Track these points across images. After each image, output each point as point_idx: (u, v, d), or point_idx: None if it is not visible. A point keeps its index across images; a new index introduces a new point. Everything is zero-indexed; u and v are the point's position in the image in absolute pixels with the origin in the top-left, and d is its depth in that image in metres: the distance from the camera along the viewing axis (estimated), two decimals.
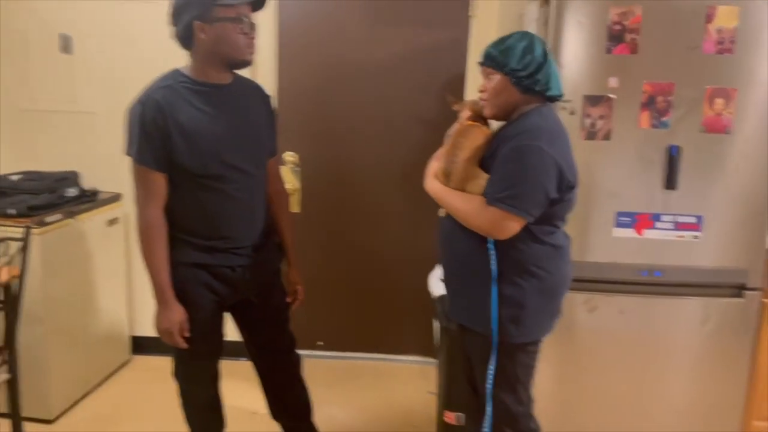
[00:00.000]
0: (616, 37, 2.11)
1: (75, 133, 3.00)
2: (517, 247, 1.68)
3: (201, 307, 1.87)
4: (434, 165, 1.83)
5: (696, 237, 2.23)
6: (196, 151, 1.75)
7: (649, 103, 2.15)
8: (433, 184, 1.81)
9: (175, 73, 1.82)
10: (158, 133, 1.71)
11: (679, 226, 2.22)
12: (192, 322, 1.85)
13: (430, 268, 2.79)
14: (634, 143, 2.18)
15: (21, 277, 2.10)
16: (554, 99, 1.72)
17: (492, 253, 1.69)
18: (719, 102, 2.14)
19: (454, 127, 1.83)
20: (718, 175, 2.19)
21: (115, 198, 2.93)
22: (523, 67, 1.63)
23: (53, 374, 2.55)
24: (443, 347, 2.45)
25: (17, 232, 2.13)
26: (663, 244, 2.24)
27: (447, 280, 1.90)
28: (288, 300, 2.13)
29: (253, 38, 1.80)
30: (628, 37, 2.11)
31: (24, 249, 2.09)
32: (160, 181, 1.76)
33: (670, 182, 2.18)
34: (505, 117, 1.74)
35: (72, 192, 2.68)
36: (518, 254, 1.69)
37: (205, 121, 1.77)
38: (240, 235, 1.88)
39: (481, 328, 1.75)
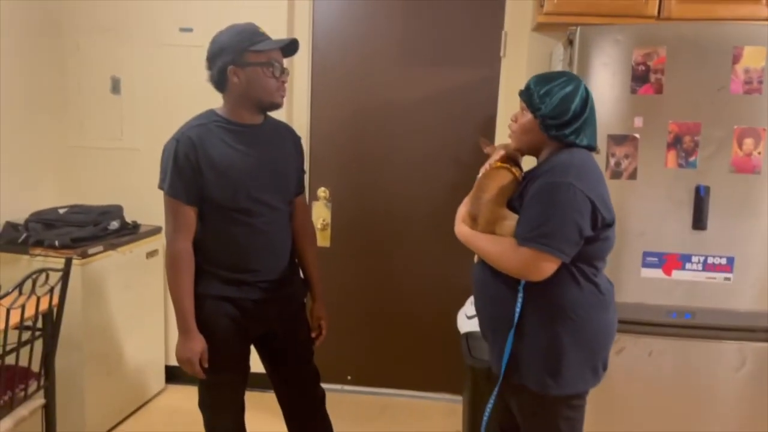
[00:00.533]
0: (640, 77, 2.12)
1: (120, 169, 3.15)
2: (552, 292, 1.58)
3: (226, 338, 1.91)
4: (462, 209, 1.80)
5: (727, 279, 2.18)
6: (226, 185, 1.83)
7: (675, 143, 2.14)
8: (461, 229, 1.76)
9: (210, 113, 1.92)
10: (190, 168, 1.80)
11: (710, 268, 2.18)
12: (217, 353, 1.89)
13: (460, 304, 2.80)
14: (661, 183, 2.17)
15: (60, 305, 2.20)
16: (587, 149, 1.65)
17: (520, 297, 1.60)
18: (748, 142, 2.11)
19: (483, 170, 1.82)
20: (749, 215, 2.15)
21: (155, 231, 3.05)
22: (556, 116, 1.59)
23: (89, 401, 2.63)
24: (468, 386, 2.44)
25: (59, 262, 2.24)
26: (693, 286, 2.20)
27: (482, 328, 1.82)
28: (312, 335, 2.16)
29: (284, 82, 1.88)
30: (653, 77, 2.11)
31: (64, 278, 2.19)
32: (189, 215, 1.84)
33: (699, 222, 2.15)
34: (530, 153, 1.73)
35: (114, 225, 2.80)
36: (554, 299, 1.59)
37: (236, 158, 1.85)
38: (265, 268, 1.94)
39: (517, 379, 1.66)
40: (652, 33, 2.14)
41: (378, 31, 3.01)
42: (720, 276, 2.18)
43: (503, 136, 2.96)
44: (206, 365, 1.87)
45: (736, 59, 2.09)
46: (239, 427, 2.13)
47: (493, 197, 1.67)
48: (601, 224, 1.57)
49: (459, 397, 3.09)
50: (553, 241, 1.51)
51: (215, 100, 3.05)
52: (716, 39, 2.10)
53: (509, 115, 2.89)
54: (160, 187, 1.86)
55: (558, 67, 2.50)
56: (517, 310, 1.61)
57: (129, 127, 3.12)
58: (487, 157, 1.89)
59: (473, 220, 1.71)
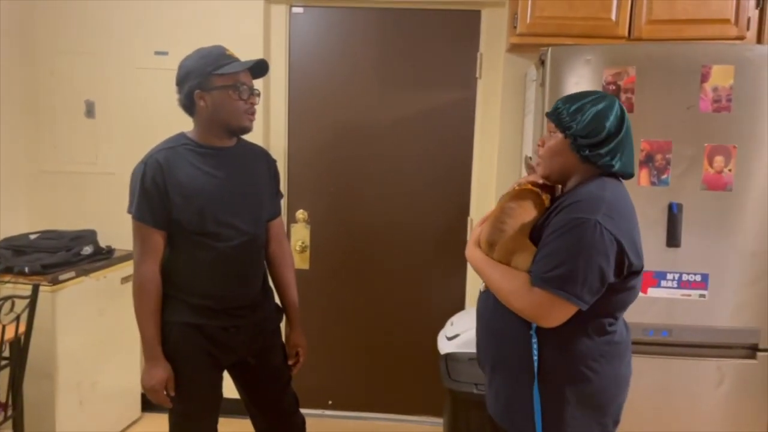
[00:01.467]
0: None
1: (95, 193, 3.11)
2: (564, 339, 1.43)
3: (195, 366, 1.87)
4: (477, 230, 1.62)
5: (702, 296, 2.18)
6: (192, 209, 1.80)
7: (647, 161, 2.15)
8: (473, 253, 1.58)
9: (180, 137, 1.90)
10: (157, 191, 1.78)
11: (684, 285, 2.18)
12: (186, 382, 1.85)
13: (440, 326, 2.78)
14: (635, 201, 2.12)
15: (27, 333, 2.15)
16: (622, 176, 1.52)
17: (534, 341, 1.45)
18: (719, 159, 2.13)
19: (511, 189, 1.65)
20: (722, 232, 2.17)
21: (130, 256, 2.96)
22: (588, 134, 1.43)
23: (60, 431, 2.56)
24: (447, 409, 2.40)
25: (28, 289, 2.20)
26: (669, 303, 2.20)
27: (482, 365, 1.66)
28: (289, 362, 2.12)
29: (252, 104, 1.86)
30: (624, 96, 2.14)
31: (31, 306, 2.14)
32: (156, 239, 1.81)
33: (673, 240, 2.16)
34: (558, 180, 1.56)
35: (87, 250, 2.76)
36: (565, 348, 1.44)
37: (204, 181, 1.83)
38: (234, 294, 1.90)
39: (514, 427, 1.52)
40: (622, 53, 2.17)
41: (355, 53, 3.03)
42: (695, 293, 2.19)
43: (480, 157, 2.98)
44: (172, 393, 1.83)
45: (704, 78, 2.12)
46: None
47: (518, 225, 1.50)
48: (627, 271, 1.41)
49: (440, 420, 3.06)
50: (571, 287, 1.35)
51: (190, 124, 3.05)
52: (685, 58, 2.13)
53: (486, 135, 2.96)
54: (129, 211, 1.84)
55: (532, 87, 2.52)
56: (535, 356, 1.45)
57: (104, 151, 3.08)
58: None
59: (489, 246, 1.53)
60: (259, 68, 1.90)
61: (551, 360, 1.45)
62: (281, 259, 2.11)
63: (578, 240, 1.35)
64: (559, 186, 1.59)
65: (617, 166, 1.46)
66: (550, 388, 1.46)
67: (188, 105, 1.85)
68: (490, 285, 1.53)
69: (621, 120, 1.46)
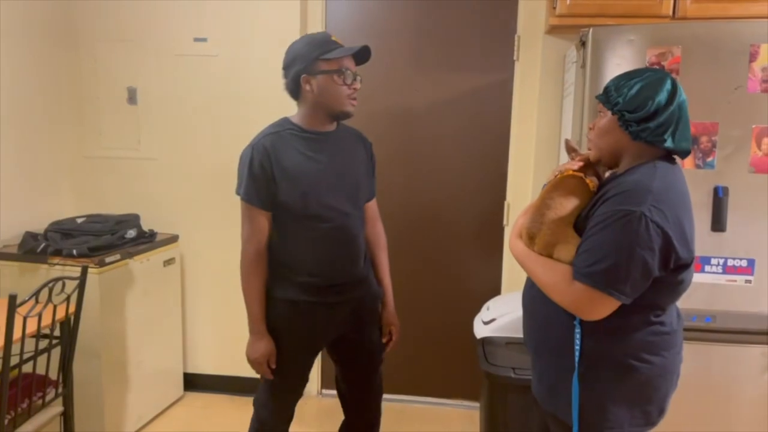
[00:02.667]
0: None
1: (137, 178, 3.19)
2: (608, 330, 1.39)
3: (297, 343, 1.96)
4: (520, 221, 1.58)
5: (748, 281, 2.13)
6: (297, 192, 1.87)
7: (692, 143, 2.10)
8: (516, 245, 1.55)
9: (284, 121, 1.97)
10: (263, 175, 1.86)
11: (730, 270, 2.13)
12: (288, 357, 1.95)
13: (477, 310, 2.78)
14: None
15: (76, 313, 2.23)
16: (676, 153, 1.44)
17: (578, 331, 1.42)
18: (767, 141, 2.07)
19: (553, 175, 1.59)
20: None
21: (172, 239, 3.07)
22: (635, 108, 1.38)
23: (107, 408, 2.65)
24: (485, 392, 2.41)
25: (76, 271, 2.27)
26: (713, 288, 2.16)
27: (528, 348, 1.64)
28: (383, 340, 2.18)
29: (355, 89, 1.92)
30: None
31: (81, 287, 2.21)
32: (262, 219, 1.89)
33: (718, 224, 2.11)
34: (612, 163, 1.50)
35: (131, 234, 2.83)
36: (609, 339, 1.40)
37: (308, 165, 1.90)
38: (337, 272, 1.97)
39: (561, 414, 1.50)
40: (666, 32, 2.11)
41: (391, 36, 3.01)
42: (741, 278, 2.14)
43: (517, 140, 2.95)
44: (273, 366, 1.93)
45: (753, 57, 2.05)
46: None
47: (559, 216, 1.45)
48: (675, 264, 1.35)
49: (477, 404, 3.06)
50: (613, 281, 1.31)
51: (231, 109, 3.10)
52: (732, 37, 2.07)
53: (523, 118, 2.93)
54: (237, 192, 1.91)
55: (572, 69, 2.48)
56: (577, 346, 1.42)
57: (146, 136, 3.15)
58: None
59: (531, 239, 1.49)
60: (363, 54, 1.95)
61: (594, 350, 1.42)
62: (375, 240, 2.17)
63: (622, 233, 1.30)
64: (605, 168, 1.55)
65: (668, 141, 1.38)
66: (593, 377, 1.43)
67: (294, 89, 1.91)
68: (532, 277, 1.50)
69: (672, 94, 1.39)
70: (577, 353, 1.42)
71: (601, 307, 1.34)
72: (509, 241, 1.60)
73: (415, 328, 3.20)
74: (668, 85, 1.40)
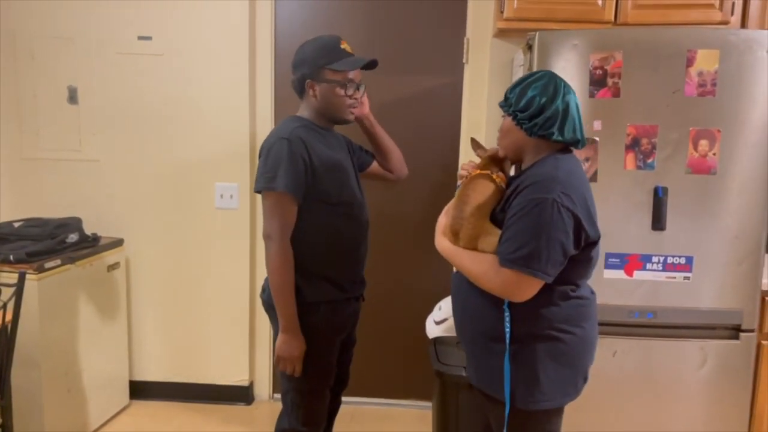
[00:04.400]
0: (598, 81, 2.16)
1: (79, 180, 3.08)
2: (533, 309, 1.53)
3: (331, 348, 1.99)
4: (443, 221, 1.71)
5: (687, 278, 2.22)
6: (335, 180, 1.93)
7: (633, 145, 2.17)
8: (442, 243, 1.68)
9: (296, 118, 1.99)
10: (304, 165, 1.85)
11: (669, 267, 2.21)
12: (323, 361, 1.97)
13: (427, 310, 2.80)
14: (621, 185, 2.20)
15: (14, 322, 2.13)
16: (570, 145, 1.59)
17: (507, 314, 1.55)
18: (703, 143, 2.15)
19: (461, 173, 1.76)
20: (706, 215, 2.20)
21: (116, 243, 2.99)
22: (525, 107, 1.54)
23: (48, 419, 2.55)
24: (437, 392, 2.43)
25: (13, 278, 2.17)
26: (654, 286, 2.23)
27: (461, 339, 1.77)
28: None
29: (356, 99, 1.98)
30: (610, 81, 2.15)
31: (18, 294, 2.12)
32: (294, 212, 1.88)
33: (658, 223, 2.19)
34: (517, 159, 1.66)
35: (73, 238, 2.73)
36: (535, 316, 1.54)
37: (335, 156, 1.97)
38: (361, 264, 2.08)
39: (495, 392, 1.62)
40: (609, 38, 2.18)
41: (341, 37, 3.00)
42: (680, 275, 2.22)
43: (467, 141, 2.98)
44: (300, 368, 1.92)
45: (689, 62, 2.13)
46: None
47: (475, 210, 1.59)
48: (585, 242, 1.51)
49: (429, 404, 3.08)
50: (536, 263, 1.45)
51: (177, 109, 3.03)
52: (670, 43, 2.15)
53: (473, 120, 2.97)
54: (268, 187, 1.85)
55: (519, 72, 2.52)
56: (507, 329, 1.55)
57: (87, 137, 3.05)
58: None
59: (455, 235, 1.62)
60: (370, 64, 2.00)
61: (523, 329, 1.55)
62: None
63: (539, 219, 1.45)
64: (510, 164, 1.69)
65: (557, 134, 1.54)
66: (524, 355, 1.56)
67: (299, 89, 1.99)
68: (461, 270, 1.63)
69: (554, 93, 1.54)
70: (507, 335, 1.55)
71: (528, 288, 1.49)
72: (435, 240, 1.71)
73: (366, 328, 3.18)
74: (552, 86, 1.55)
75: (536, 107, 1.53)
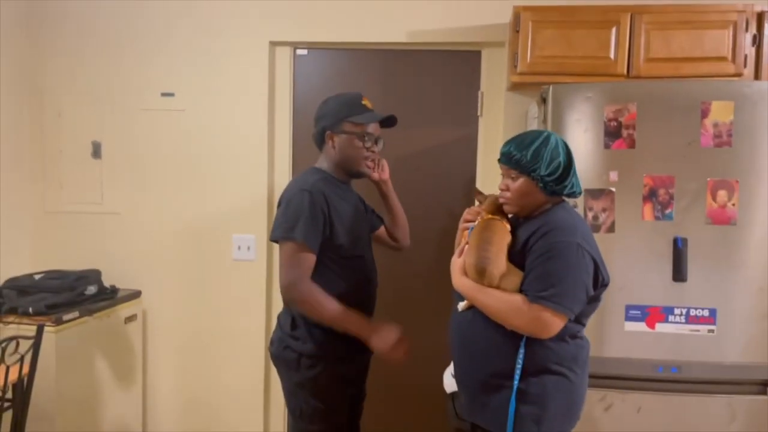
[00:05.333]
0: (613, 133, 2.17)
1: (100, 233, 3.12)
2: (545, 345, 1.62)
3: (341, 401, 1.98)
4: (459, 261, 1.76)
5: (711, 331, 2.17)
6: (351, 234, 1.97)
7: (651, 196, 2.16)
8: (463, 282, 1.72)
9: (316, 170, 2.04)
10: (323, 217, 1.89)
11: (693, 320, 2.17)
12: (331, 414, 1.95)
13: (445, 364, 2.75)
14: (640, 235, 2.18)
15: (30, 375, 2.13)
16: (573, 196, 1.74)
17: (522, 350, 1.62)
18: (722, 194, 2.14)
19: (467, 218, 1.87)
20: (728, 266, 2.16)
21: (134, 295, 3.00)
22: (551, 172, 1.64)
23: None
24: None
25: (32, 330, 2.19)
26: (677, 339, 2.18)
27: (465, 380, 1.80)
28: None
29: (374, 151, 2.03)
30: (625, 132, 2.16)
31: (35, 347, 2.13)
32: (313, 261, 1.90)
33: (679, 274, 2.16)
34: (527, 215, 1.73)
35: (92, 290, 2.75)
36: (545, 352, 1.63)
37: (351, 210, 2.02)
38: (367, 315, 2.04)
39: (501, 428, 1.65)
40: (622, 90, 2.20)
41: (358, 92, 3.06)
42: (704, 328, 2.17)
43: (485, 191, 2.99)
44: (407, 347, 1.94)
45: (704, 114, 2.14)
46: None
47: (500, 251, 1.66)
48: (600, 284, 1.64)
49: None
50: (566, 301, 1.56)
51: (198, 164, 3.08)
52: (684, 95, 2.16)
53: (488, 171, 2.98)
54: (286, 236, 1.88)
55: (533, 125, 2.55)
56: (519, 366, 1.62)
57: (109, 191, 3.11)
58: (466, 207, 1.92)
59: (479, 274, 1.65)
60: (389, 121, 2.08)
61: (535, 366, 1.62)
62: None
63: (567, 261, 1.57)
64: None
65: (578, 190, 1.70)
66: (533, 389, 1.62)
67: (319, 141, 2.06)
68: (486, 308, 1.66)
69: (567, 151, 1.68)
70: (518, 371, 1.62)
71: (555, 324, 1.58)
72: (453, 279, 1.76)
73: (381, 382, 3.14)
74: (562, 143, 1.68)
75: (562, 170, 1.64)
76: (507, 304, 1.61)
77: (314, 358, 1.89)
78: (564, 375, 1.64)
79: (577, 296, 1.58)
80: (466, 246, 1.74)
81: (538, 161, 1.64)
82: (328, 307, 1.87)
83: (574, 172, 1.68)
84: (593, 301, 1.66)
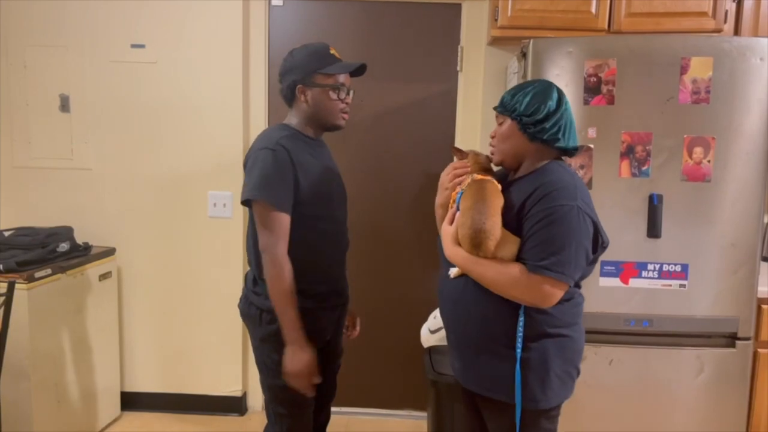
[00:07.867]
0: (592, 89, 2.16)
1: (71, 189, 3.05)
2: (544, 311, 1.55)
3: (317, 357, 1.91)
4: (451, 229, 1.62)
5: (683, 286, 2.21)
6: (318, 193, 1.88)
7: (628, 153, 2.17)
8: (456, 251, 1.60)
9: (283, 127, 1.95)
10: (290, 176, 1.81)
11: (665, 275, 2.21)
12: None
13: (423, 320, 2.78)
14: (616, 192, 2.20)
15: (3, 332, 2.10)
16: (567, 152, 1.62)
17: (521, 318, 1.55)
18: (698, 151, 2.15)
19: (448, 174, 1.71)
20: (701, 223, 2.19)
21: (108, 252, 2.96)
22: (532, 112, 1.55)
23: (38, 431, 2.51)
24: (431, 401, 2.41)
25: (2, 287, 2.15)
26: (650, 293, 2.22)
27: (460, 347, 1.71)
28: (351, 334, 2.27)
29: (347, 103, 1.94)
30: (605, 88, 2.15)
31: (7, 304, 2.09)
32: (287, 222, 1.82)
33: (654, 230, 2.18)
34: (512, 166, 1.65)
35: (64, 247, 2.70)
36: (544, 317, 1.56)
37: (320, 167, 1.92)
38: (338, 277, 2.02)
39: (504, 396, 1.60)
40: (603, 45, 2.18)
41: (335, 45, 2.98)
42: (675, 283, 2.21)
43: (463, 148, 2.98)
44: (318, 380, 1.84)
45: (683, 70, 2.14)
46: None
47: (497, 219, 1.51)
48: (600, 246, 1.58)
49: (424, 413, 3.06)
50: (567, 269, 1.48)
51: (171, 118, 3.02)
52: (664, 51, 2.15)
53: (467, 128, 2.97)
54: (255, 197, 1.80)
55: (513, 80, 2.52)
56: (520, 333, 1.55)
57: (79, 145, 3.02)
58: (445, 164, 1.79)
59: (475, 247, 1.52)
60: (359, 70, 1.98)
61: (536, 333, 1.56)
62: None
63: (568, 227, 1.48)
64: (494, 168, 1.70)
65: (562, 141, 1.57)
66: (535, 355, 1.57)
67: (289, 96, 1.95)
68: (482, 280, 1.55)
69: (560, 99, 1.58)
70: (520, 339, 1.55)
71: (556, 294, 1.51)
72: (445, 249, 1.64)
73: (359, 339, 3.17)
74: (555, 94, 1.58)
75: (543, 113, 1.55)
76: (505, 275, 1.51)
77: (274, 313, 1.84)
78: (564, 335, 1.59)
79: (578, 263, 1.50)
80: (458, 213, 1.59)
81: (518, 99, 1.57)
82: (283, 287, 1.80)
83: (563, 121, 1.56)
84: (592, 263, 1.60)
